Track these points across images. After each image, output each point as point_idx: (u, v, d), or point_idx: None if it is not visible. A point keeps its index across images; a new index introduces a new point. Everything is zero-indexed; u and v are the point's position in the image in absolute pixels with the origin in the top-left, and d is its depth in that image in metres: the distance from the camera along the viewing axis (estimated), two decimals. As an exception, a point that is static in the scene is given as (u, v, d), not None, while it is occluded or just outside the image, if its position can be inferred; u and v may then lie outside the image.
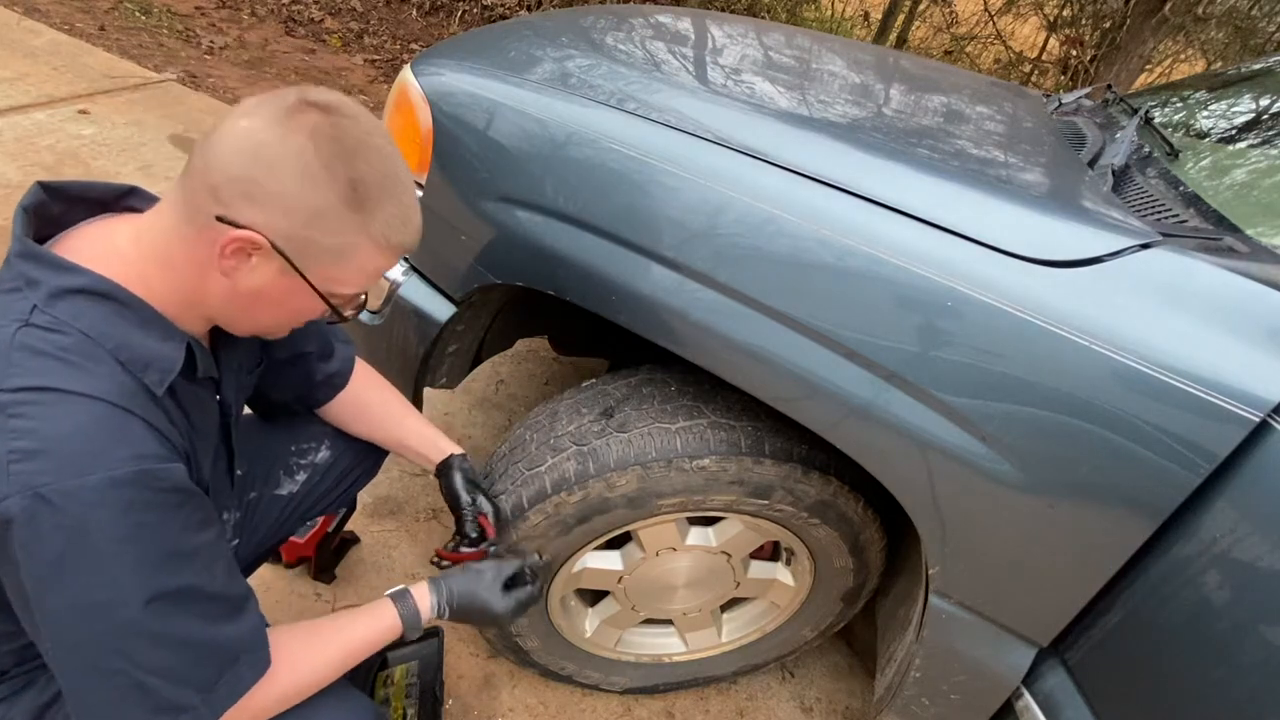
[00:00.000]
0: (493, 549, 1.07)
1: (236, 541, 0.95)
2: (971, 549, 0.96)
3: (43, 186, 0.71)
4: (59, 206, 0.72)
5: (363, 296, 0.79)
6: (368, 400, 1.13)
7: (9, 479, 0.58)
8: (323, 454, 1.13)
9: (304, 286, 0.71)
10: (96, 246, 0.70)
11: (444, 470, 1.11)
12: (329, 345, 1.07)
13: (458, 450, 1.13)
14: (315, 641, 0.82)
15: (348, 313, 0.78)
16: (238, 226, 0.65)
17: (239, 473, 0.96)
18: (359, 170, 0.67)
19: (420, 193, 1.16)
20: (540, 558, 1.09)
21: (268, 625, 0.77)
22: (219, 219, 0.66)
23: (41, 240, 0.70)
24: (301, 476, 1.11)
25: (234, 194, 0.65)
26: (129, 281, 0.68)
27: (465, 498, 1.08)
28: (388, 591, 0.93)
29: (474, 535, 1.06)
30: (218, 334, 0.82)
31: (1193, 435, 0.79)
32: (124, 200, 0.77)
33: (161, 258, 0.69)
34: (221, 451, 0.89)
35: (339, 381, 1.09)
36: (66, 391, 0.61)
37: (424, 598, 0.94)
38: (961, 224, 0.88)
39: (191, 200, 0.67)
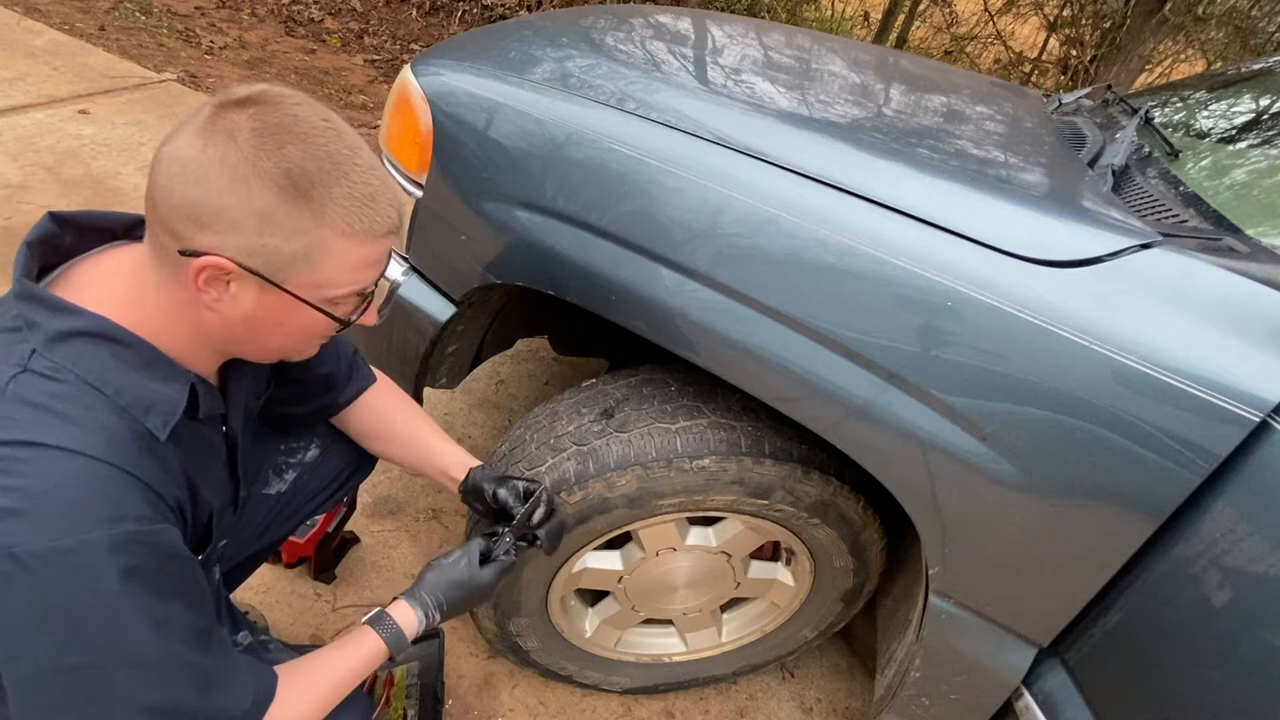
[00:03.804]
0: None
1: (225, 541, 0.94)
2: (971, 549, 0.96)
3: (53, 217, 0.69)
4: (70, 236, 0.71)
5: (368, 293, 0.75)
6: (391, 417, 1.10)
7: None
8: (312, 452, 1.12)
9: (292, 300, 0.68)
10: (101, 287, 0.68)
11: (471, 484, 1.07)
12: (348, 362, 1.05)
13: (475, 463, 1.10)
14: (297, 689, 0.79)
15: (354, 316, 0.75)
16: (198, 255, 0.63)
17: (243, 493, 0.95)
18: (290, 157, 0.62)
19: (420, 193, 1.16)
20: (506, 532, 1.03)
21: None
22: (181, 253, 0.63)
23: (51, 269, 0.69)
24: (290, 475, 1.10)
25: (183, 223, 0.62)
26: (131, 322, 0.66)
27: (507, 497, 1.03)
28: (364, 618, 0.91)
29: (538, 520, 1.02)
30: (226, 368, 0.80)
31: (1193, 435, 0.79)
32: (137, 230, 0.75)
33: (157, 304, 0.67)
34: (228, 483, 0.88)
35: (354, 392, 1.07)
36: (53, 447, 0.59)
37: (406, 615, 0.91)
38: (961, 224, 0.88)
39: (156, 242, 0.65)
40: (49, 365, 0.62)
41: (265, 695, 0.74)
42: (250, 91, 0.64)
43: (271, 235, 0.63)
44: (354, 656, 0.86)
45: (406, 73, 1.18)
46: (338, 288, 0.70)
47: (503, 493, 1.04)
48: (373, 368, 1.11)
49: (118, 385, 0.64)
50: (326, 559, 1.50)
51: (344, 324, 0.75)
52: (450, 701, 1.39)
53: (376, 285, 0.75)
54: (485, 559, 0.99)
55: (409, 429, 1.11)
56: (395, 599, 0.94)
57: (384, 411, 1.10)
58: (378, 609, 0.92)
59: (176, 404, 0.69)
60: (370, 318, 0.78)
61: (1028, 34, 6.16)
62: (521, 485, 1.06)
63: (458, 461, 1.09)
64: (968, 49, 6.21)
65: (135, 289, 0.68)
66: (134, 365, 0.66)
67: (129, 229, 0.75)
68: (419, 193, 1.16)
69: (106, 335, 0.65)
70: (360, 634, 0.89)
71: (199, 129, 0.62)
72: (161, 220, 0.63)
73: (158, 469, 0.67)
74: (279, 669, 0.79)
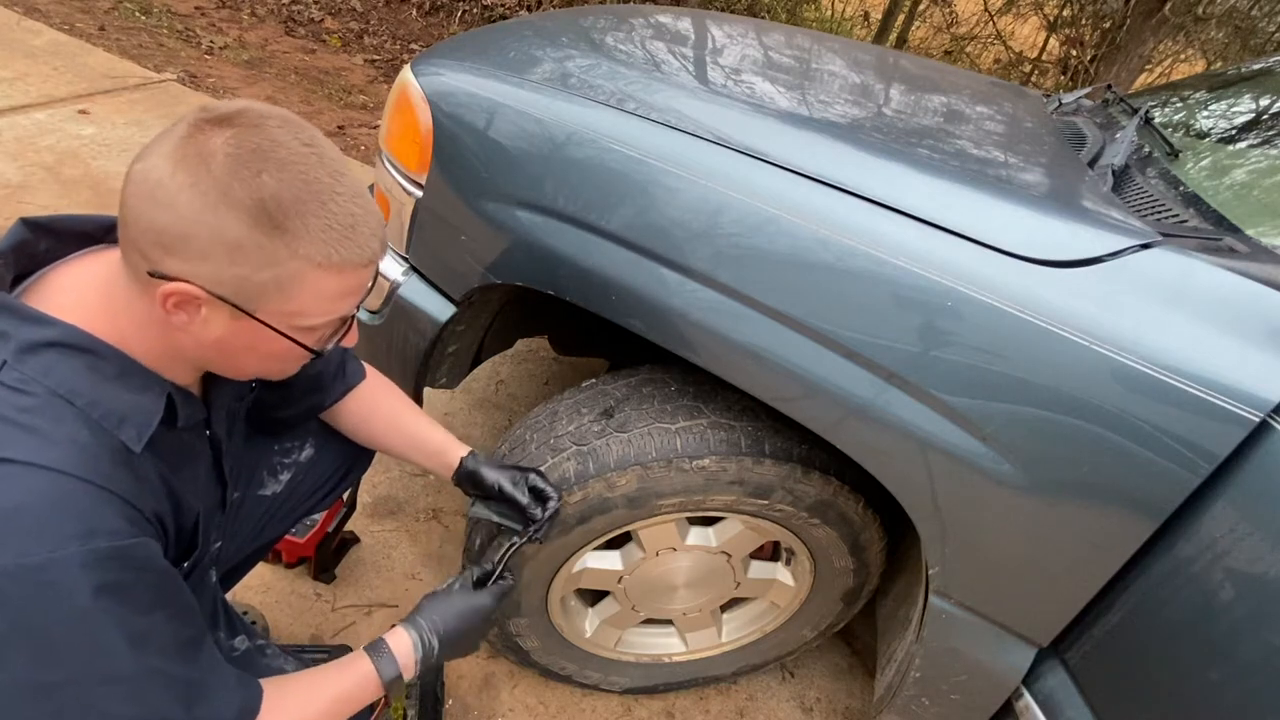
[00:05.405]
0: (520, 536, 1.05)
1: (219, 543, 0.94)
2: (971, 549, 0.96)
3: (25, 223, 0.67)
4: (46, 242, 0.69)
5: (350, 318, 0.73)
6: (379, 408, 1.10)
7: None
8: (306, 452, 1.11)
9: (264, 328, 0.66)
10: (73, 294, 0.66)
11: (466, 472, 1.09)
12: (337, 361, 1.05)
13: (465, 450, 1.11)
14: (285, 708, 0.77)
15: (329, 345, 0.73)
16: (168, 279, 0.61)
17: (235, 495, 0.94)
18: (265, 187, 0.60)
19: (420, 193, 1.16)
20: (505, 548, 1.05)
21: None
22: (150, 274, 0.61)
23: (26, 276, 0.68)
24: (285, 476, 1.09)
25: (152, 246, 0.60)
26: (104, 331, 0.65)
27: (512, 489, 1.06)
28: (364, 646, 0.90)
29: (538, 512, 1.04)
30: (209, 373, 0.79)
31: (1193, 435, 0.79)
32: (114, 233, 0.72)
33: (131, 316, 0.66)
34: (214, 486, 0.86)
35: (342, 390, 1.07)
36: (20, 463, 0.58)
37: (401, 641, 0.90)
38: (961, 224, 0.88)
39: (128, 259, 0.63)
40: (18, 378, 0.60)
41: (250, 711, 0.73)
42: (231, 110, 0.61)
43: (242, 265, 0.62)
44: (346, 681, 0.85)
45: (406, 73, 1.18)
46: (312, 317, 0.68)
47: (507, 486, 1.06)
48: (362, 362, 1.11)
49: (90, 397, 0.63)
50: (326, 559, 1.50)
51: (317, 354, 0.73)
52: (450, 701, 1.40)
53: (356, 312, 0.74)
54: (482, 583, 1.00)
55: (398, 420, 1.11)
56: (394, 627, 0.93)
57: (371, 402, 1.10)
58: (378, 639, 0.91)
59: (152, 415, 0.67)
60: (351, 339, 0.77)
61: (1028, 34, 6.17)
62: (527, 482, 1.07)
63: (447, 447, 1.10)
64: (968, 49, 6.22)
65: (109, 297, 0.66)
66: (108, 376, 0.64)
67: (107, 231, 0.73)
68: (419, 193, 1.17)
69: (79, 346, 0.63)
70: (354, 659, 0.88)
71: (172, 149, 0.59)
72: (131, 240, 0.61)
73: (133, 481, 0.65)
74: (269, 686, 0.77)
